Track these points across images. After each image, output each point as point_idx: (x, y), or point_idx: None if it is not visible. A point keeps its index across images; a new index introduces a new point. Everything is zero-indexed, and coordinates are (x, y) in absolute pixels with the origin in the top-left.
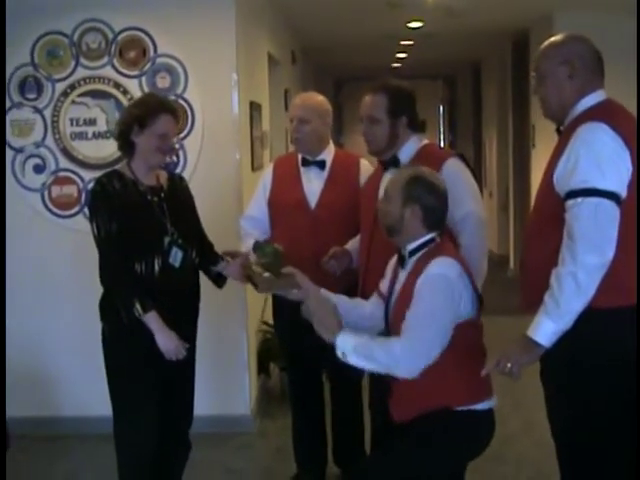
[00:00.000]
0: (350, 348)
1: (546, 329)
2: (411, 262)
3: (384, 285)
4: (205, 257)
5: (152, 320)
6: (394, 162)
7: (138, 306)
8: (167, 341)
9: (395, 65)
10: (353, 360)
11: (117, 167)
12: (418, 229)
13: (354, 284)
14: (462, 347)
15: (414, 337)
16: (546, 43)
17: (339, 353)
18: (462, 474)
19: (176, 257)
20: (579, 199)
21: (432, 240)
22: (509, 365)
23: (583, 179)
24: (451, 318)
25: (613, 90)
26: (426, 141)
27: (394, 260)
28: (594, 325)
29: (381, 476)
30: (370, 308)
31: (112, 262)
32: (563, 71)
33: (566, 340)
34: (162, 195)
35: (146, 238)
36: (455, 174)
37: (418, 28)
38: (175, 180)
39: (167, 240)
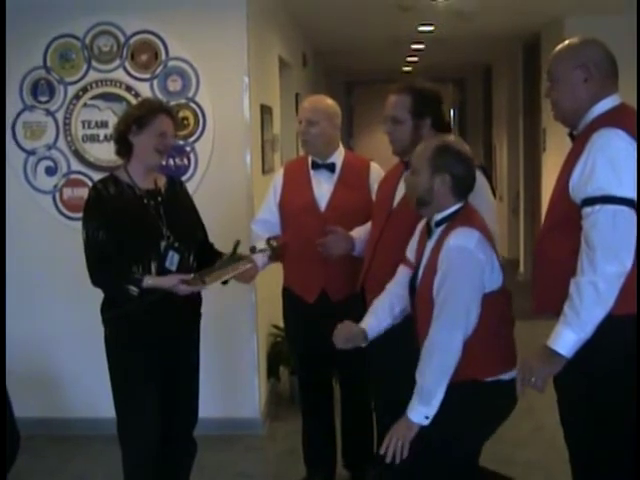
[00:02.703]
0: (426, 408)
1: (567, 340)
2: (437, 232)
3: (411, 253)
4: (205, 258)
5: (150, 283)
6: None
7: (131, 287)
8: (170, 282)
9: (406, 69)
10: (438, 401)
11: (115, 172)
12: (447, 199)
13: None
14: (491, 319)
15: (445, 320)
16: (561, 46)
17: (425, 421)
18: (476, 456)
19: (172, 261)
20: (597, 206)
21: (458, 210)
22: (533, 379)
23: (599, 186)
24: (476, 289)
25: (625, 95)
26: None
27: (422, 224)
28: (611, 331)
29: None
30: (401, 281)
31: (95, 267)
32: (578, 75)
33: (582, 346)
34: (159, 199)
35: (141, 242)
36: (478, 189)
37: (429, 32)
38: (175, 184)
39: (163, 244)
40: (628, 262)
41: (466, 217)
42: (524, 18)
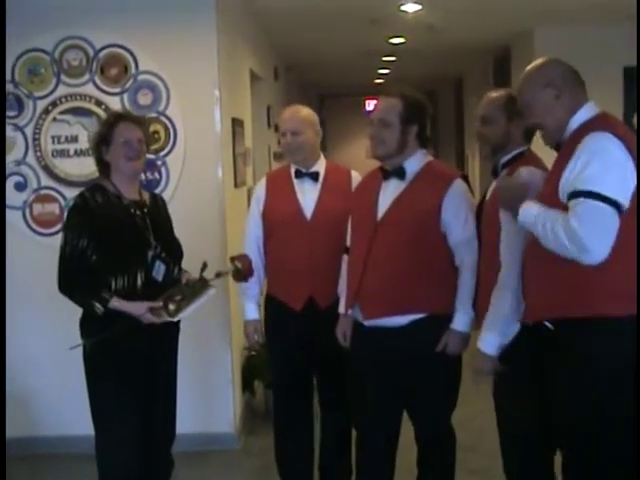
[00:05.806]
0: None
1: None
2: (503, 173)
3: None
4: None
5: (116, 305)
6: (399, 172)
7: (97, 304)
8: (137, 310)
9: (377, 81)
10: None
11: (100, 182)
12: (519, 141)
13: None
14: None
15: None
16: (522, 75)
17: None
18: None
19: (159, 271)
20: (580, 199)
21: (524, 152)
22: None
23: (588, 182)
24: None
25: (597, 101)
26: (430, 157)
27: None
28: (603, 334)
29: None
30: None
31: (65, 274)
32: (549, 93)
33: (576, 350)
34: (145, 210)
35: (129, 251)
36: (462, 195)
37: (400, 44)
38: (157, 199)
39: (150, 254)
40: (598, 255)
41: (530, 159)
42: (494, 30)
